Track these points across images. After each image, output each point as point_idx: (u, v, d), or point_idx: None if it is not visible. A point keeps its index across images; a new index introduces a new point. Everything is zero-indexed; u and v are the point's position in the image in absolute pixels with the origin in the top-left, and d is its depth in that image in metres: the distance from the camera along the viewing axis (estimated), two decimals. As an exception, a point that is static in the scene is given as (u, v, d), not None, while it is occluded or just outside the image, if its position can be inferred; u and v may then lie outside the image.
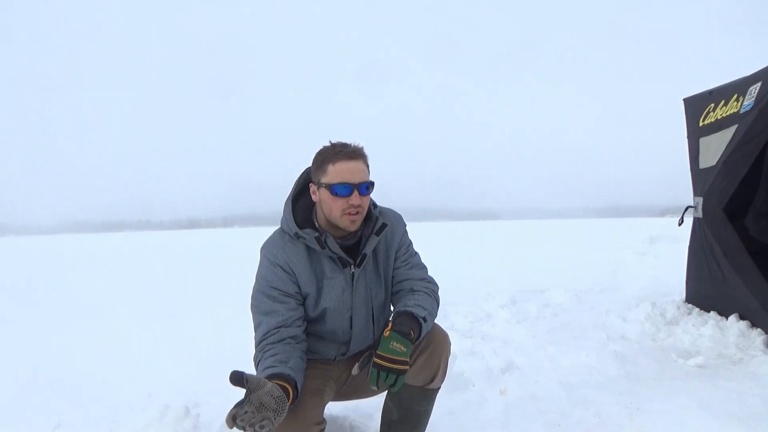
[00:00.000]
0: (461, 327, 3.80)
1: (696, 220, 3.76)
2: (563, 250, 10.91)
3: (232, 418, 1.19)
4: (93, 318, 4.85)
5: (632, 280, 5.64)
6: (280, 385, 1.30)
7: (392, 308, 1.72)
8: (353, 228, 1.54)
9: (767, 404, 2.30)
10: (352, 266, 1.59)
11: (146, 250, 16.50)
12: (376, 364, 1.38)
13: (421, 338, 1.54)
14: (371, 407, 2.18)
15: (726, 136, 3.25)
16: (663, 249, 9.50)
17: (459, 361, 2.68)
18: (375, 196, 1.63)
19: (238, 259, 10.18)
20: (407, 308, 1.52)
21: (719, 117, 3.38)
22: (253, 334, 1.67)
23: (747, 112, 3.04)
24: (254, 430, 1.18)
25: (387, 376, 1.37)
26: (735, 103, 3.20)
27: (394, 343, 1.39)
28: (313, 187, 1.55)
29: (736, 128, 3.13)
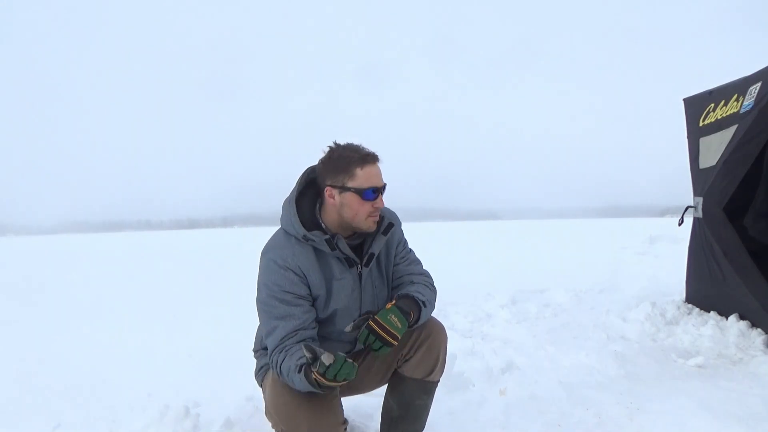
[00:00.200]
0: (461, 327, 3.80)
1: (696, 220, 3.76)
2: (563, 250, 10.91)
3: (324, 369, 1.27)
4: (93, 318, 4.85)
5: (632, 280, 5.64)
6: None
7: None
8: (373, 229, 1.58)
9: (767, 404, 2.30)
10: (359, 266, 1.61)
11: (146, 250, 16.50)
12: (369, 327, 1.43)
13: (419, 323, 1.59)
14: (371, 407, 2.18)
15: (726, 136, 3.25)
16: (663, 249, 9.50)
17: (459, 361, 2.68)
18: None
19: (237, 259, 10.19)
20: (409, 293, 1.58)
21: (719, 117, 3.38)
22: (257, 338, 1.67)
23: (747, 112, 3.04)
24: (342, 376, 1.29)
25: (375, 341, 1.42)
26: (735, 103, 3.20)
27: (393, 317, 1.45)
28: (331, 191, 1.52)
29: (736, 128, 3.13)
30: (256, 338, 1.76)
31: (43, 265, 12.08)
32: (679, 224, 3.79)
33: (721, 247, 3.37)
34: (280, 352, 1.47)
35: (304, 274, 1.53)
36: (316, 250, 1.55)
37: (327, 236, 1.52)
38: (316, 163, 1.59)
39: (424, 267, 1.77)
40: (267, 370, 1.63)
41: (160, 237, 29.50)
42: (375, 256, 1.63)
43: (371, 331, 1.43)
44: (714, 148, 3.40)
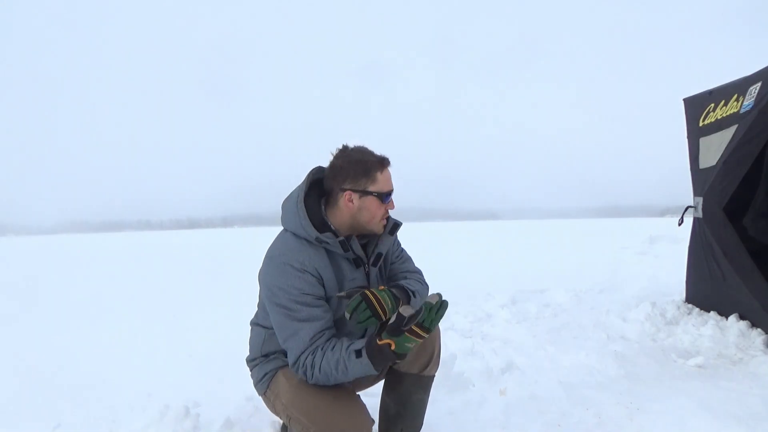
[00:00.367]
0: (461, 327, 3.80)
1: (696, 220, 3.76)
2: (563, 250, 10.90)
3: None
4: (93, 318, 4.84)
5: (632, 280, 5.65)
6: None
7: None
8: (382, 231, 1.61)
9: (767, 404, 2.30)
10: (366, 266, 1.62)
11: (146, 250, 16.49)
12: (363, 294, 1.47)
13: None
14: (370, 408, 2.17)
15: (726, 136, 3.25)
16: (663, 249, 9.50)
17: (459, 361, 2.68)
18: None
19: (238, 259, 10.19)
20: (399, 282, 1.66)
21: (719, 117, 3.38)
22: (253, 346, 1.65)
23: (747, 112, 3.04)
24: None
25: (364, 310, 1.45)
26: (735, 103, 3.20)
27: (386, 297, 1.51)
28: (351, 195, 1.52)
29: (736, 128, 3.13)
30: (252, 347, 1.70)
31: (43, 265, 12.08)
32: (679, 224, 3.79)
33: (721, 247, 3.37)
34: (313, 354, 1.43)
35: (320, 276, 1.52)
36: (327, 251, 1.55)
37: (341, 238, 1.52)
38: (318, 164, 1.60)
39: (422, 266, 1.81)
40: (273, 376, 1.60)
41: (160, 237, 29.49)
42: (383, 256, 1.66)
43: (364, 298, 1.46)
44: (714, 148, 3.40)
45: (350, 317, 1.46)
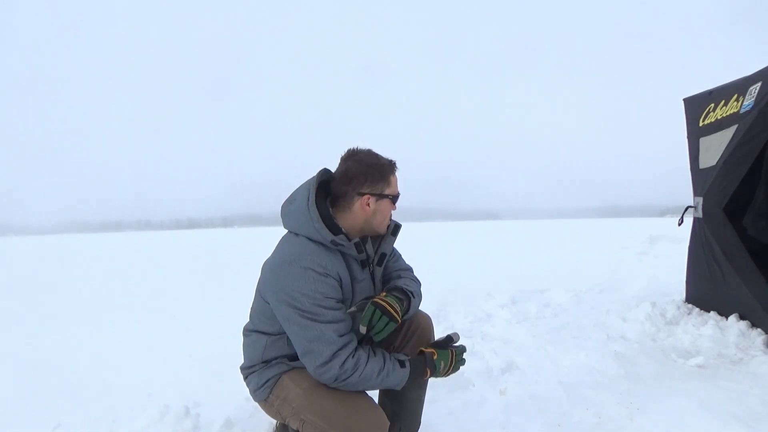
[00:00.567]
0: (461, 327, 3.80)
1: (696, 220, 3.76)
2: (563, 250, 10.90)
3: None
4: (93, 318, 4.85)
5: (632, 280, 5.65)
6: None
7: None
8: (386, 231, 1.65)
9: (767, 404, 2.30)
10: (371, 266, 1.64)
11: (146, 250, 16.49)
12: (376, 303, 1.50)
13: (408, 313, 1.64)
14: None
15: (726, 136, 3.25)
16: (663, 249, 9.49)
17: (459, 361, 2.68)
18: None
19: (238, 259, 10.18)
20: (398, 284, 1.66)
21: (719, 117, 3.38)
22: (249, 355, 1.64)
23: (747, 112, 3.04)
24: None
25: (381, 317, 1.48)
26: (735, 103, 3.20)
27: (392, 300, 1.54)
28: (368, 199, 1.54)
29: (736, 128, 3.13)
30: (249, 354, 1.64)
31: (43, 265, 12.08)
32: (679, 224, 3.79)
33: (721, 247, 3.37)
34: (354, 357, 1.44)
35: (340, 279, 1.53)
36: (341, 254, 1.56)
37: (355, 240, 1.54)
38: (318, 164, 1.62)
39: (422, 266, 1.83)
40: (277, 382, 1.57)
41: (160, 237, 29.48)
42: (386, 256, 1.68)
43: (377, 306, 1.49)
44: (714, 148, 3.40)
45: (367, 329, 1.48)
